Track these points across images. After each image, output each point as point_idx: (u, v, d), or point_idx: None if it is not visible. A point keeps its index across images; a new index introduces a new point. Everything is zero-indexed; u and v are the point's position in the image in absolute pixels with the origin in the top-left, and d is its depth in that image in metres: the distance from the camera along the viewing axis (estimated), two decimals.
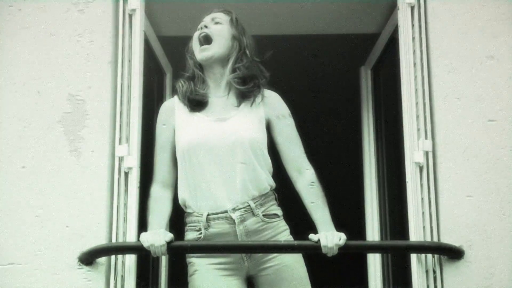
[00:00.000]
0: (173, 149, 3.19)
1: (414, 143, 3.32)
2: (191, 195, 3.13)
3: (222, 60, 3.21)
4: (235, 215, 3.07)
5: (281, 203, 3.21)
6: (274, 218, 3.14)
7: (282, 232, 3.14)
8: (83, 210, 3.22)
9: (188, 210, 3.16)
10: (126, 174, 3.29)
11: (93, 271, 3.16)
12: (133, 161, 3.28)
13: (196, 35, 3.26)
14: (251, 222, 3.09)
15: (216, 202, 3.09)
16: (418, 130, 3.34)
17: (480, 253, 3.19)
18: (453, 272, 3.18)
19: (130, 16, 3.48)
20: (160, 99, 4.12)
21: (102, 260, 3.16)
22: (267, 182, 3.15)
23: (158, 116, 3.26)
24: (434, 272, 3.19)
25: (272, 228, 3.12)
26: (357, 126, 4.40)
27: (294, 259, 3.12)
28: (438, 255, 3.19)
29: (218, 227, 3.09)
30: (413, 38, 3.44)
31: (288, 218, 3.20)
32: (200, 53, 3.21)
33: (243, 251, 3.09)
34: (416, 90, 3.39)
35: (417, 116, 3.36)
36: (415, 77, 3.40)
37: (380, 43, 4.02)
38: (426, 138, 3.32)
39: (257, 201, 3.11)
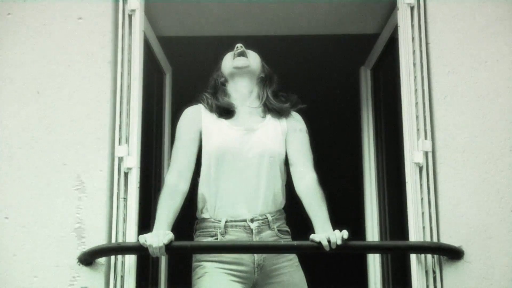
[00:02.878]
0: (196, 149, 3.23)
1: (413, 143, 3.33)
2: (211, 200, 3.18)
3: (252, 75, 3.33)
4: (254, 225, 3.14)
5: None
6: (286, 234, 3.24)
7: (293, 259, 3.21)
8: (83, 210, 3.22)
9: (204, 216, 3.20)
10: (126, 174, 3.29)
11: (93, 271, 3.16)
12: (133, 161, 3.28)
13: (229, 55, 3.36)
14: (267, 235, 3.16)
15: (236, 210, 3.15)
16: (418, 130, 3.34)
17: (480, 253, 3.19)
18: (453, 272, 3.18)
19: (130, 16, 3.48)
20: (160, 99, 4.12)
21: (102, 260, 3.16)
22: (283, 199, 3.26)
23: (181, 119, 3.30)
24: (434, 272, 3.19)
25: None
26: (357, 126, 4.40)
27: (301, 278, 3.19)
28: (438, 255, 3.19)
29: (235, 234, 3.13)
30: (413, 38, 3.44)
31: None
32: (237, 61, 3.31)
33: (243, 251, 3.09)
34: (416, 90, 3.39)
35: (417, 116, 3.36)
36: (415, 77, 3.40)
37: (380, 43, 4.02)
38: (425, 138, 3.32)
39: (273, 216, 3.19)
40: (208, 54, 4.82)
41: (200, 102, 3.33)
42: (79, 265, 3.16)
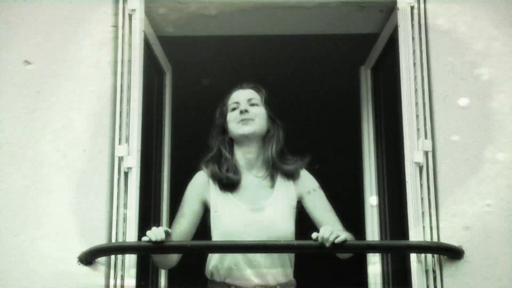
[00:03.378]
0: (197, 219, 3.25)
1: (414, 143, 3.33)
2: (221, 266, 3.18)
3: (259, 139, 3.26)
4: None
5: None
6: None
7: None
8: (83, 210, 3.22)
9: (215, 279, 3.20)
10: (126, 174, 3.29)
11: (93, 271, 3.16)
12: (133, 161, 3.28)
13: (234, 117, 3.27)
14: None
15: (245, 278, 3.14)
16: (418, 130, 3.34)
17: (480, 253, 3.19)
18: (453, 272, 3.17)
19: (130, 16, 3.47)
20: (160, 99, 4.12)
21: (102, 260, 3.16)
22: (292, 271, 3.24)
23: (190, 185, 3.29)
24: (434, 272, 3.19)
25: None
26: (357, 126, 4.40)
27: None
28: (438, 255, 3.19)
29: None
30: (413, 38, 3.44)
31: None
32: (242, 128, 3.23)
33: (244, 251, 3.09)
34: (416, 90, 3.39)
35: (417, 116, 3.36)
36: (415, 77, 3.40)
37: (380, 43, 4.02)
38: (426, 138, 3.32)
39: (283, 287, 3.19)
40: (208, 54, 4.84)
41: (203, 169, 3.30)
42: (79, 265, 3.16)
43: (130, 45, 3.45)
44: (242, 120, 3.23)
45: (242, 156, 3.26)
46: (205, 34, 4.22)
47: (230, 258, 3.15)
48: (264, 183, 3.24)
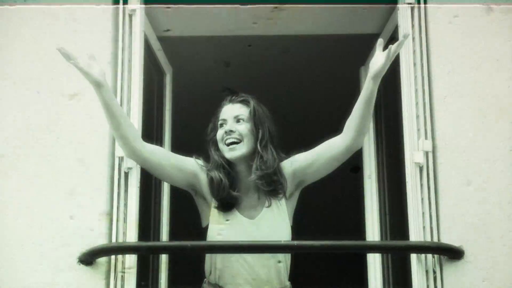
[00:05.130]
0: (174, 164, 3.18)
1: (414, 143, 3.33)
2: (216, 271, 3.16)
3: (247, 158, 3.19)
4: None
5: None
6: None
7: None
8: (83, 210, 3.22)
9: (210, 281, 3.19)
10: (126, 174, 3.29)
11: (93, 271, 3.16)
12: (133, 162, 3.28)
13: (221, 135, 3.20)
14: None
15: (239, 284, 3.12)
16: (418, 130, 3.34)
17: (480, 253, 3.19)
18: (453, 272, 3.18)
19: (130, 16, 3.48)
20: (161, 99, 4.12)
21: (102, 260, 3.16)
22: (287, 278, 3.21)
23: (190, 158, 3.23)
24: (434, 272, 3.19)
25: None
26: None
27: None
28: (438, 255, 3.19)
29: None
30: (413, 38, 3.44)
31: None
32: (229, 152, 3.18)
33: (244, 251, 3.09)
34: (416, 90, 3.39)
35: (417, 116, 3.36)
36: (415, 77, 3.41)
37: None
38: (426, 138, 3.32)
39: None
40: (208, 54, 4.84)
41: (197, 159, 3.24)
42: (79, 265, 3.16)
43: (130, 45, 3.45)
44: (229, 144, 3.18)
45: (237, 173, 3.22)
46: (205, 34, 4.22)
47: (225, 261, 3.14)
48: (259, 201, 3.20)
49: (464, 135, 3.31)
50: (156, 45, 3.98)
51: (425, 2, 3.46)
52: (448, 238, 3.20)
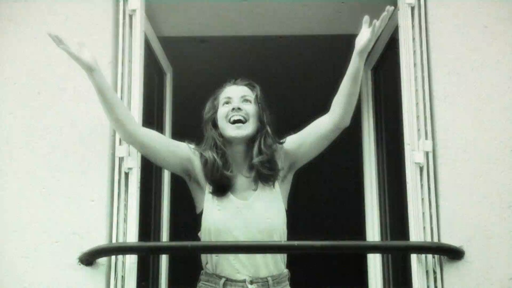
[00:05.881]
0: (169, 148, 3.19)
1: (414, 144, 3.33)
2: (212, 259, 3.15)
3: (248, 140, 3.19)
4: (252, 287, 3.11)
5: None
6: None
7: None
8: (83, 210, 3.22)
9: (207, 271, 3.18)
10: (127, 174, 3.29)
11: (93, 272, 3.16)
12: (133, 162, 3.29)
13: (225, 113, 3.20)
14: None
15: (236, 270, 3.12)
16: (418, 130, 3.34)
17: (480, 253, 3.19)
18: (453, 273, 3.18)
19: (130, 16, 3.48)
20: (161, 99, 4.12)
21: (103, 260, 3.16)
22: (284, 264, 3.21)
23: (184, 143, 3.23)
24: (434, 272, 3.19)
25: None
26: (357, 126, 4.40)
27: None
28: (438, 256, 3.19)
29: None
30: (413, 39, 3.44)
31: None
32: (235, 130, 3.16)
33: (244, 251, 3.09)
34: (416, 90, 3.39)
35: (417, 117, 3.36)
36: (415, 77, 3.41)
37: (380, 44, 4.02)
38: (426, 138, 3.32)
39: (275, 279, 3.16)
40: (208, 54, 4.85)
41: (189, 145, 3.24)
42: (79, 265, 3.16)
43: (130, 45, 3.45)
44: (235, 121, 3.17)
45: (233, 159, 3.22)
46: (205, 34, 4.22)
47: (226, 260, 3.13)
48: (251, 184, 3.20)
49: (464, 135, 3.31)
50: (156, 45, 3.98)
51: (425, 2, 3.46)
52: (448, 238, 3.20)
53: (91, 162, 3.27)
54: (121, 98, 3.36)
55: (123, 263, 3.18)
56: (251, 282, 3.11)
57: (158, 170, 3.97)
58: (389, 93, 3.92)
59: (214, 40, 4.41)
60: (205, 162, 3.16)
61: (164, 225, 3.98)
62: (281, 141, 3.24)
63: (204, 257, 3.19)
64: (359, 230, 4.24)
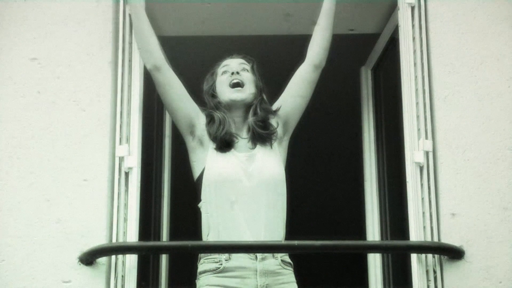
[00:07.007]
0: (184, 95, 3.34)
1: (414, 143, 3.33)
2: (215, 228, 3.16)
3: (246, 105, 3.32)
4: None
5: None
6: (289, 266, 3.21)
7: (292, 283, 3.20)
8: (83, 210, 3.22)
9: (209, 238, 3.18)
10: (127, 174, 3.29)
11: (93, 271, 3.16)
12: (133, 161, 3.29)
13: (224, 80, 3.34)
14: (271, 263, 3.14)
15: (240, 238, 3.13)
16: (418, 130, 3.34)
17: (480, 253, 3.19)
18: (453, 272, 3.18)
19: (130, 16, 3.47)
20: (160, 99, 4.12)
21: (103, 260, 3.16)
22: (284, 232, 3.23)
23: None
24: (435, 272, 3.19)
25: (286, 275, 3.18)
26: (357, 126, 4.40)
27: None
28: (438, 255, 3.19)
29: (239, 260, 3.13)
30: (413, 38, 3.44)
31: None
32: (234, 93, 3.29)
33: (244, 251, 3.09)
34: (416, 90, 3.39)
35: (417, 116, 3.36)
36: (415, 77, 3.41)
37: (380, 43, 4.03)
38: (426, 138, 3.32)
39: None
40: (208, 54, 4.84)
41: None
42: (79, 265, 3.16)
43: (130, 45, 3.45)
44: (234, 84, 3.29)
45: (232, 121, 3.31)
46: (205, 34, 4.22)
47: (221, 216, 3.15)
48: (250, 144, 3.28)
49: (464, 135, 3.31)
50: None
51: (425, 2, 3.46)
52: (448, 238, 3.20)
53: (91, 161, 3.27)
54: (121, 98, 3.36)
55: (123, 263, 3.18)
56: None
57: (158, 170, 3.97)
58: (389, 93, 3.92)
59: (214, 40, 4.40)
60: (210, 120, 3.28)
61: (164, 225, 3.98)
62: (275, 110, 3.34)
63: (206, 229, 3.20)
64: (359, 230, 4.24)
